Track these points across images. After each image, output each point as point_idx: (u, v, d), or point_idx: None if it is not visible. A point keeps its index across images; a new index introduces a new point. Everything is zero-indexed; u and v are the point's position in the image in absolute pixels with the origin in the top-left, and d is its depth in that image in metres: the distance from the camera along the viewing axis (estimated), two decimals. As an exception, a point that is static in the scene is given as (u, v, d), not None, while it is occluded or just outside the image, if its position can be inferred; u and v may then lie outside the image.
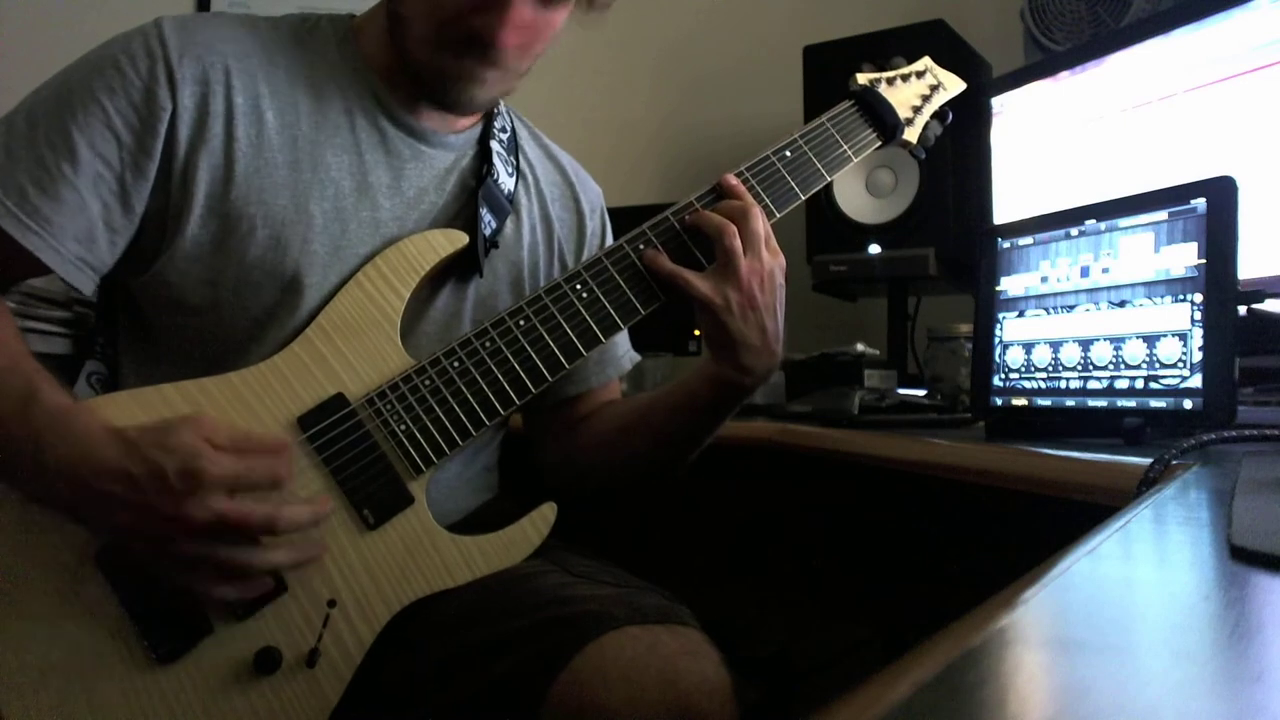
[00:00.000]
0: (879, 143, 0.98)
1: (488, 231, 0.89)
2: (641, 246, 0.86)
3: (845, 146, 0.94)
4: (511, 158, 0.96)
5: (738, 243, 0.83)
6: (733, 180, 0.88)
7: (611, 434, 0.99)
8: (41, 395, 0.70)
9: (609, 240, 1.07)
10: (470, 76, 0.82)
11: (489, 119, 0.95)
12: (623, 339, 1.02)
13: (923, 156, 1.03)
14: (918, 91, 1.01)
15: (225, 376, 0.78)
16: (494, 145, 0.93)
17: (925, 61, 1.04)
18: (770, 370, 0.87)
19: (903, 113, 0.98)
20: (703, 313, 0.84)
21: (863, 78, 1.00)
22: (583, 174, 1.06)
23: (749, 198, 0.87)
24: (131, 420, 0.74)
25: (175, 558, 0.70)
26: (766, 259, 0.84)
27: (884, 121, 0.97)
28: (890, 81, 1.00)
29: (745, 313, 0.83)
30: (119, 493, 0.67)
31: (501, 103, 0.97)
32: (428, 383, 0.81)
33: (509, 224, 0.94)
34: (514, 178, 0.95)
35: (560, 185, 1.02)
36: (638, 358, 1.08)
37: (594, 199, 1.05)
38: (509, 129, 0.98)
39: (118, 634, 0.72)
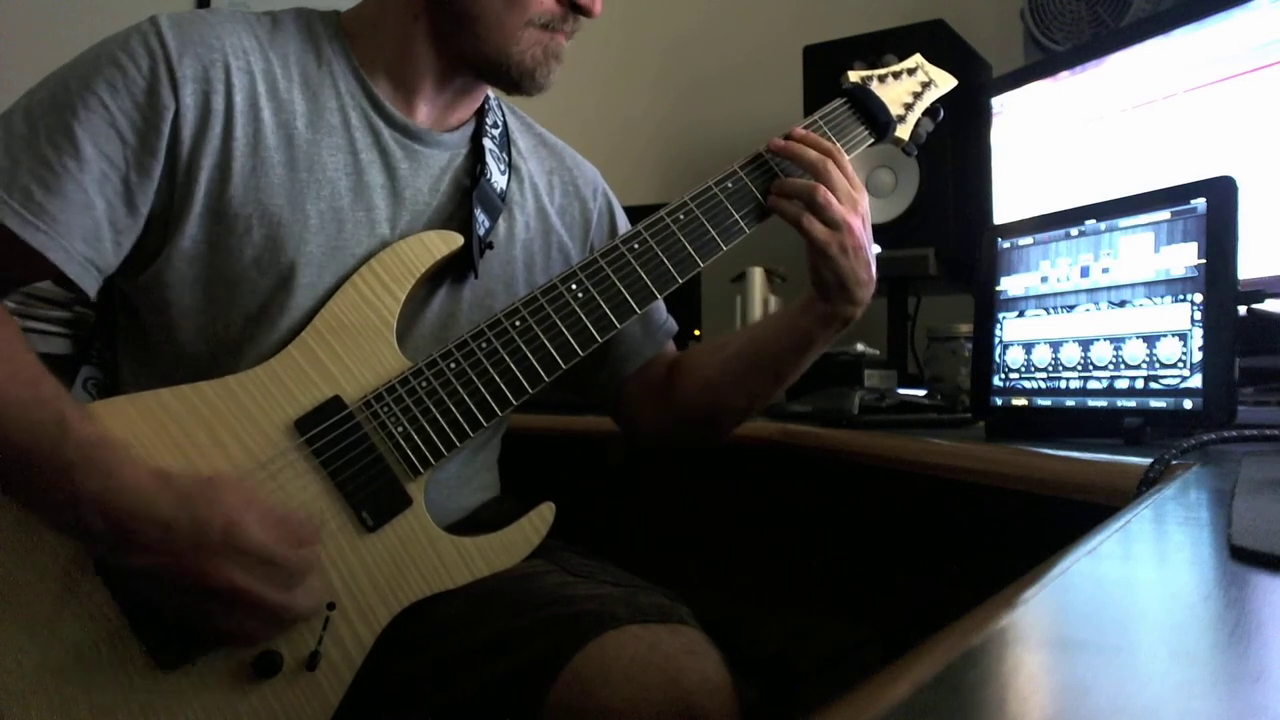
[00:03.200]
0: (871, 140, 0.98)
1: (481, 232, 0.89)
2: (769, 152, 0.91)
3: (838, 144, 0.94)
4: (504, 154, 0.96)
5: (831, 196, 0.87)
6: (801, 131, 0.91)
7: (719, 382, 1.00)
8: (70, 423, 0.69)
9: (619, 216, 1.07)
10: (558, 53, 0.86)
11: (480, 115, 0.95)
12: (656, 305, 1.01)
13: (914, 153, 1.03)
14: (909, 89, 1.01)
15: (223, 380, 0.78)
16: (486, 143, 0.93)
17: (916, 59, 1.04)
18: (870, 296, 0.92)
19: (894, 110, 0.98)
20: (820, 258, 0.87)
21: (854, 75, 1.00)
22: (577, 158, 1.06)
23: (827, 143, 0.91)
24: (130, 427, 0.74)
25: (187, 607, 0.70)
26: (859, 199, 0.88)
27: (876, 119, 0.97)
28: (882, 79, 1.00)
29: (856, 253, 0.87)
30: (156, 538, 0.67)
31: (491, 96, 0.97)
32: (424, 385, 0.81)
33: (502, 223, 0.94)
34: (507, 175, 0.95)
35: (556, 174, 1.02)
36: (674, 325, 1.09)
37: (592, 179, 1.05)
38: (500, 123, 0.97)
39: (118, 638, 0.72)
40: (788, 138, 0.91)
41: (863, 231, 0.88)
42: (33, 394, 0.70)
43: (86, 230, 0.76)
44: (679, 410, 1.02)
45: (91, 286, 0.78)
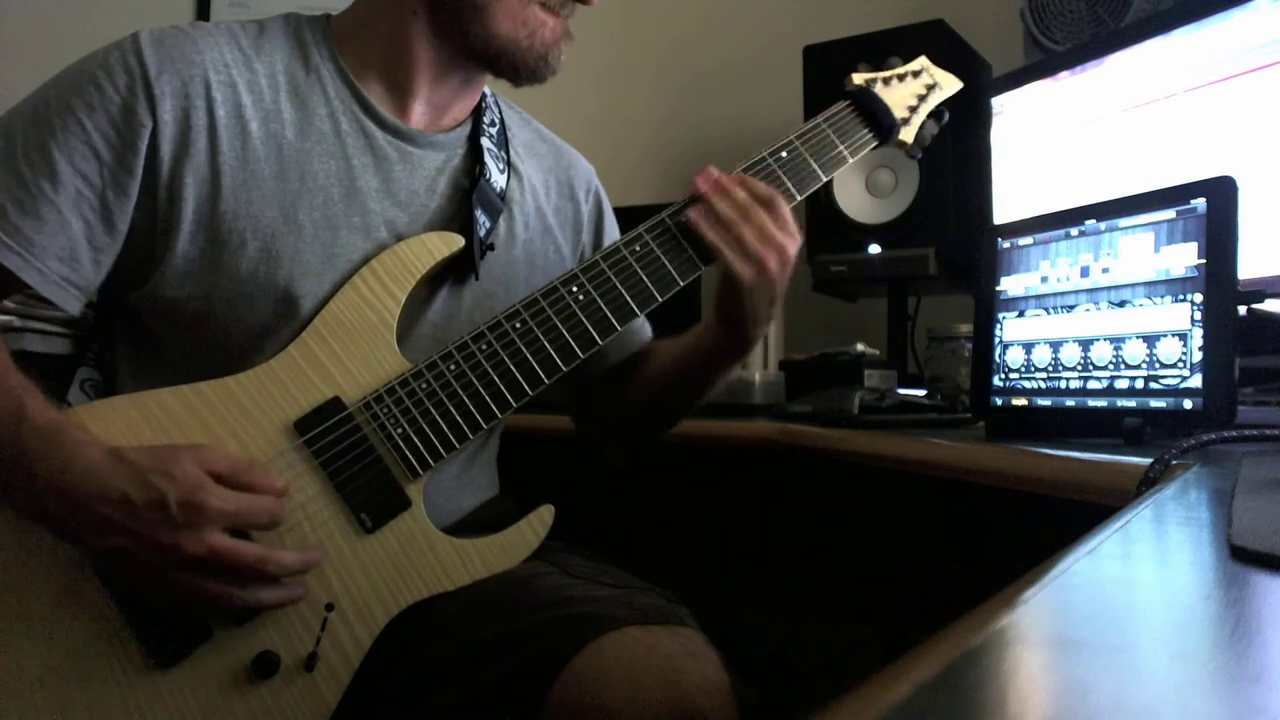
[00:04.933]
0: (875, 143, 0.97)
1: (482, 233, 0.89)
2: (679, 219, 0.87)
3: (842, 147, 0.94)
4: (502, 152, 0.96)
5: (770, 225, 0.85)
6: (738, 175, 0.88)
7: (655, 391, 1.04)
8: (29, 412, 0.70)
9: (607, 217, 1.07)
10: (566, 34, 0.87)
11: (478, 114, 0.95)
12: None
13: (919, 156, 1.03)
14: (914, 91, 1.01)
15: (222, 381, 0.78)
16: (485, 142, 0.93)
17: (921, 61, 1.03)
18: (763, 335, 0.93)
19: (899, 113, 0.98)
20: (730, 289, 0.86)
21: (859, 78, 0.99)
22: (573, 154, 1.06)
23: (762, 189, 0.87)
24: (130, 427, 0.74)
25: (163, 584, 0.70)
26: (786, 243, 0.86)
27: (880, 122, 0.96)
28: (886, 81, 1.00)
29: (764, 290, 0.86)
30: (115, 517, 0.67)
31: (488, 94, 0.97)
32: (424, 386, 0.81)
33: (502, 223, 0.94)
34: (505, 174, 0.95)
35: (552, 173, 1.02)
36: (649, 330, 1.09)
37: (586, 178, 1.05)
38: (497, 122, 0.97)
39: (116, 639, 0.72)
40: (712, 182, 0.87)
41: (777, 274, 0.85)
42: None
43: (62, 250, 0.76)
44: (625, 409, 1.07)
45: (71, 305, 0.79)
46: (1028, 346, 0.95)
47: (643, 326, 1.07)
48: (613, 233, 1.07)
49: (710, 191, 0.86)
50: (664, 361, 1.03)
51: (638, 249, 0.87)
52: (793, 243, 0.87)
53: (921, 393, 1.35)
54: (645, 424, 1.09)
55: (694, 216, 0.85)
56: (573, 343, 0.84)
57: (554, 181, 1.01)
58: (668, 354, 1.03)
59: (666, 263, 0.87)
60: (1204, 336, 0.78)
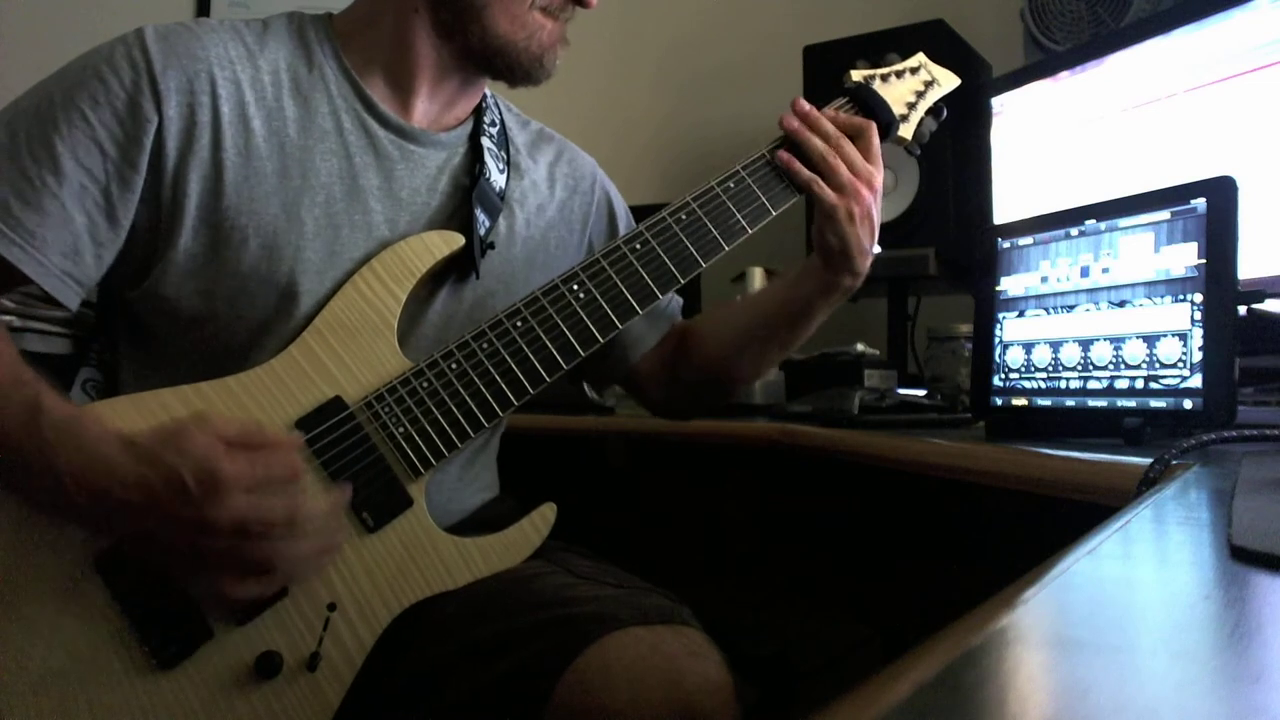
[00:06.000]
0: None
1: (482, 231, 0.89)
2: (771, 151, 0.92)
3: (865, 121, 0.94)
4: (502, 152, 0.96)
5: (858, 157, 0.90)
6: (814, 113, 0.93)
7: (726, 356, 1.04)
8: (47, 405, 0.69)
9: (616, 204, 1.08)
10: (561, 38, 0.88)
11: (478, 114, 0.95)
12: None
13: (918, 153, 1.03)
14: (912, 88, 1.01)
15: (223, 381, 0.78)
16: (485, 141, 0.93)
17: (919, 58, 1.03)
18: (868, 268, 0.95)
19: (897, 109, 0.98)
20: (828, 221, 0.89)
21: (857, 74, 0.99)
22: (575, 149, 1.06)
23: (853, 119, 0.92)
24: (130, 425, 0.74)
25: (198, 560, 0.69)
26: (874, 173, 0.91)
27: (878, 118, 0.96)
28: (884, 78, 1.00)
29: (863, 220, 0.89)
30: (139, 501, 0.67)
31: (488, 95, 0.97)
32: (426, 385, 0.81)
33: (503, 222, 0.94)
34: (506, 173, 0.95)
35: (555, 168, 1.02)
36: (680, 301, 1.11)
37: (590, 171, 1.06)
38: (498, 122, 0.97)
39: (118, 639, 0.72)
40: (803, 116, 0.92)
41: (871, 202, 0.90)
42: (13, 376, 0.71)
43: (65, 244, 0.76)
44: (689, 384, 1.07)
45: (71, 299, 0.78)
46: (1028, 346, 0.95)
47: (668, 311, 1.08)
48: (625, 219, 1.08)
49: (799, 129, 0.90)
50: (745, 320, 1.03)
51: (638, 246, 0.88)
52: (879, 172, 0.92)
53: (921, 393, 1.35)
54: (719, 390, 1.09)
55: (785, 156, 0.90)
56: (574, 341, 0.84)
57: (559, 175, 1.02)
58: (744, 320, 1.03)
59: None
60: (1204, 336, 0.78)
